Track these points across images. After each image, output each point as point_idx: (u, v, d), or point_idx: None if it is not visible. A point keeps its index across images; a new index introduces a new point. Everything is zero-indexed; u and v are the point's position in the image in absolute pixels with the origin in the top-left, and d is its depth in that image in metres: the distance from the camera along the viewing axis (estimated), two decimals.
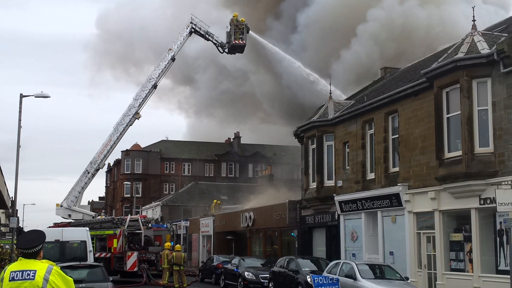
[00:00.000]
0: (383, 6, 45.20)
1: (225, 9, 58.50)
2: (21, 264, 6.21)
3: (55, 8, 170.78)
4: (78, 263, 19.88)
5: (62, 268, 6.91)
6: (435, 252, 22.19)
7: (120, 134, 48.57)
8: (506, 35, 20.53)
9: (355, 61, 45.25)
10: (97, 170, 49.32)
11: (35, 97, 33.13)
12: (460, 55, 20.48)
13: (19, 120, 33.68)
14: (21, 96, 33.73)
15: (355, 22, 45.40)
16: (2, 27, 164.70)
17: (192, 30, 49.05)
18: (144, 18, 74.19)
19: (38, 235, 6.40)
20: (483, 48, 20.24)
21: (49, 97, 33.26)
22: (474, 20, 21.57)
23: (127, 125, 48.50)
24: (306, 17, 49.52)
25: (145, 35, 71.89)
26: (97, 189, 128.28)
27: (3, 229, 60.57)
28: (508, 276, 17.79)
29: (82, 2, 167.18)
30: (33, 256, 6.25)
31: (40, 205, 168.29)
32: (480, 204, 19.97)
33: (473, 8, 22.32)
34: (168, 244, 31.26)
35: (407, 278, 21.12)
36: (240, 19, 48.46)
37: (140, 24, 72.85)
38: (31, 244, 6.26)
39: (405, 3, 45.24)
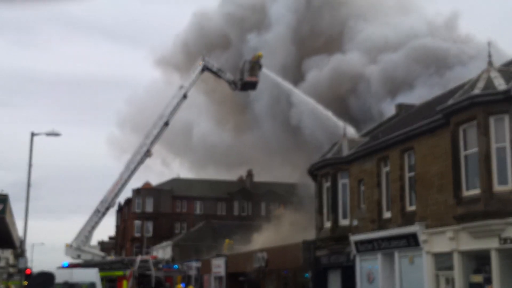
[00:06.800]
0: None
1: None
2: None
3: (75, 47, 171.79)
4: None
5: None
6: None
7: (131, 172, 48.31)
8: None
9: None
10: (107, 209, 48.92)
11: (46, 135, 33.03)
12: (476, 91, 20.09)
13: (30, 158, 33.55)
14: (32, 134, 33.65)
15: None
16: (20, 66, 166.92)
17: (205, 68, 49.22)
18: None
19: (47, 278, 6.10)
20: (500, 84, 19.88)
21: (60, 135, 33.17)
22: (490, 56, 21.25)
23: (138, 163, 48.26)
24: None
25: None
26: (107, 228, 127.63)
27: (11, 269, 60.06)
28: None
29: (102, 40, 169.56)
30: None
31: (50, 245, 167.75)
32: (500, 244, 19.32)
33: (488, 44, 22.05)
34: (179, 286, 30.71)
35: None
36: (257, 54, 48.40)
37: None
38: None
39: None
